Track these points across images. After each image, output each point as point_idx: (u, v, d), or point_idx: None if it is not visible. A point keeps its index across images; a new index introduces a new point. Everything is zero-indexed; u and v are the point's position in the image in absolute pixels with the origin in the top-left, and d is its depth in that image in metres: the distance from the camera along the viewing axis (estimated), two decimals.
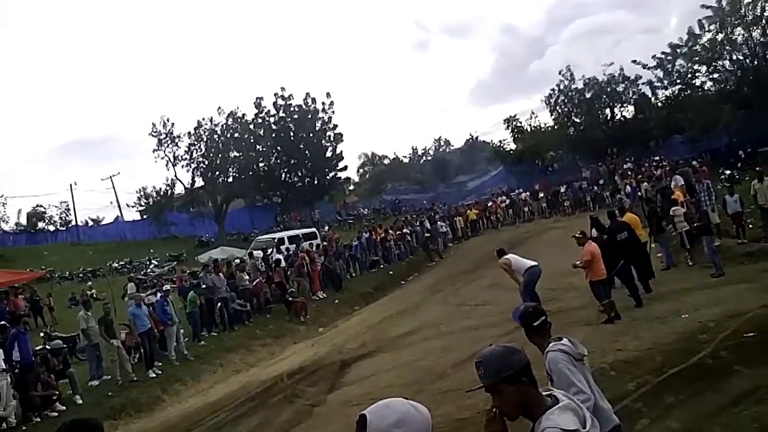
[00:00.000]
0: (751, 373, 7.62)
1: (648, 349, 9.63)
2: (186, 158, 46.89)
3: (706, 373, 8.10)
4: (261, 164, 50.36)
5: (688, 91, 39.55)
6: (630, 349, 9.85)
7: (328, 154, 51.80)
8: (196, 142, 47.00)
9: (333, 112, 51.50)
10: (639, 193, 25.44)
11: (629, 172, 34.29)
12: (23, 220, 52.82)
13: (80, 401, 13.27)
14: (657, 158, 37.62)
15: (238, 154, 47.68)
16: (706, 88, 39.33)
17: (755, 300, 10.65)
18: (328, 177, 52.03)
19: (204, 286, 18.44)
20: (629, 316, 11.85)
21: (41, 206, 53.73)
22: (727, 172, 26.85)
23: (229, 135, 47.46)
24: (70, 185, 49.68)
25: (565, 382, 4.00)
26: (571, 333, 11.45)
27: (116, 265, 37.39)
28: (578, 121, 46.65)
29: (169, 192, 48.11)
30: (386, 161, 77.79)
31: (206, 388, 14.88)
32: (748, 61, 36.42)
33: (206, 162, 46.76)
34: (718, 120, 35.33)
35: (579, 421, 2.55)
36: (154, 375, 14.95)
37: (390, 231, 30.12)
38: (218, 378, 15.59)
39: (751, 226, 17.20)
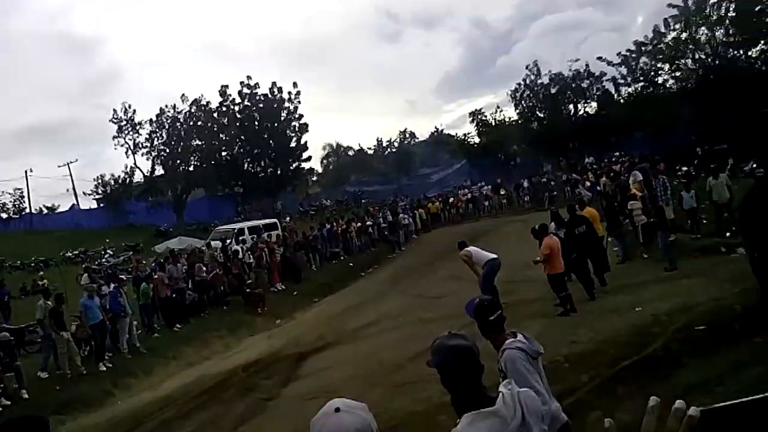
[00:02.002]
0: (700, 366, 7.69)
1: (602, 341, 9.72)
2: (147, 146, 46.05)
3: (659, 365, 8.17)
4: (224, 153, 49.68)
5: (651, 89, 40.28)
6: (584, 341, 9.94)
7: (293, 144, 51.31)
8: (157, 130, 46.19)
9: (299, 102, 51.07)
10: (598, 188, 25.73)
11: (590, 167, 34.72)
12: None
13: (26, 396, 12.85)
14: (617, 154, 38.19)
15: (200, 143, 46.98)
16: (668, 86, 40.15)
17: (706, 294, 10.81)
18: (291, 167, 51.56)
19: (156, 277, 18.03)
20: (584, 309, 11.98)
21: None
22: (684, 169, 27.31)
23: (192, 123, 46.73)
24: (26, 172, 48.21)
25: (523, 385, 3.93)
26: (527, 325, 11.56)
27: (70, 254, 36.46)
28: (542, 115, 47.21)
29: (128, 180, 47.15)
30: (351, 152, 77.49)
31: (158, 381, 14.52)
32: (709, 60, 37.23)
33: (167, 150, 45.97)
34: (678, 118, 35.98)
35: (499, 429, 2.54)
36: (104, 368, 14.54)
37: (352, 223, 29.98)
38: (171, 371, 15.24)
39: (705, 221, 17.50)
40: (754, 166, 24.19)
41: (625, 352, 8.85)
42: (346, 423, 1.83)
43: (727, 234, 15.68)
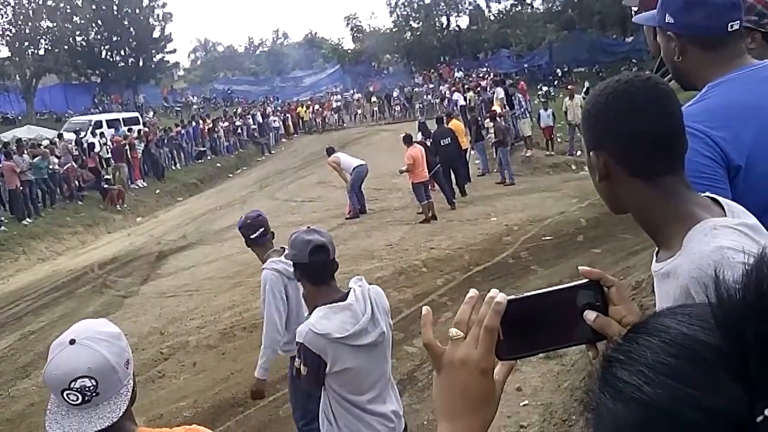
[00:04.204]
0: (546, 273, 8.43)
1: (458, 248, 10.34)
2: None
3: (508, 271, 8.87)
4: (78, 38, 45.64)
5: (519, 8, 41.22)
6: (442, 248, 10.52)
7: (156, 34, 48.02)
8: (2, 6, 41.35)
9: None
10: (464, 102, 26.41)
11: (457, 81, 35.43)
12: None
13: None
14: (484, 69, 39.18)
15: (51, 25, 42.75)
16: (535, 6, 41.28)
17: (555, 207, 11.80)
18: (154, 59, 48.47)
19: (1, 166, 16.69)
20: (445, 218, 12.60)
21: None
22: (545, 88, 28.59)
23: (41, 2, 42.24)
24: None
25: (267, 310, 4.11)
26: (390, 231, 12.05)
27: None
28: (416, 26, 47.06)
29: None
30: (220, 49, 74.01)
31: (6, 276, 13.81)
32: None
33: (13, 30, 41.46)
34: (543, 38, 37.32)
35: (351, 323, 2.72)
36: None
37: (219, 122, 29.02)
38: (21, 266, 14.50)
39: (560, 140, 18.64)
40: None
41: (479, 259, 9.53)
42: (77, 359, 1.55)
43: (578, 153, 16.88)
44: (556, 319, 0.92)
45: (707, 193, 1.26)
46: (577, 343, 0.97)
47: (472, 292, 0.90)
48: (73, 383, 1.54)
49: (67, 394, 1.54)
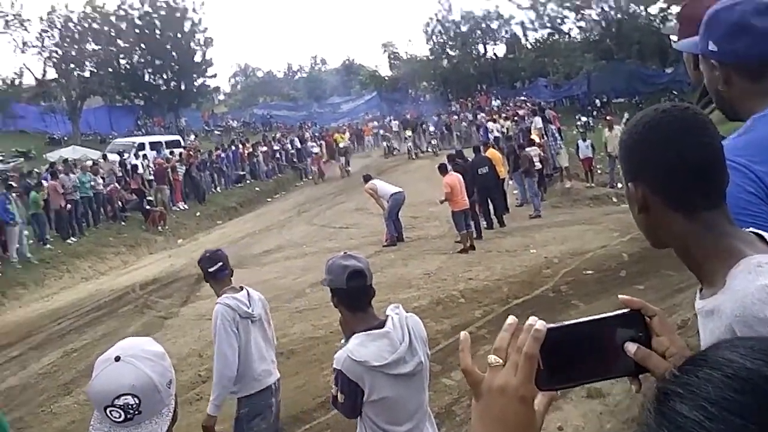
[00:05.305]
0: (587, 308, 8.29)
1: (496, 279, 10.24)
2: (37, 45, 42.56)
3: (548, 305, 8.73)
4: (122, 61, 46.84)
5: (556, 36, 41.12)
6: (480, 278, 10.43)
7: (197, 58, 49.03)
8: (48, 29, 42.66)
9: (204, 13, 48.71)
10: (502, 131, 26.36)
11: (495, 110, 35.33)
12: None
13: None
14: (523, 98, 39.08)
15: (96, 48, 43.94)
16: (572, 35, 41.16)
17: (596, 241, 11.62)
18: (195, 83, 49.47)
19: (47, 185, 17.16)
20: (483, 248, 12.52)
21: None
22: (583, 119, 28.42)
23: (86, 25, 43.47)
24: None
25: (217, 345, 4.17)
26: (427, 260, 12.01)
27: None
28: (452, 54, 47.27)
29: (18, 81, 43.68)
30: (260, 74, 75.23)
31: (51, 294, 14.11)
32: (613, 13, 38.30)
33: (60, 52, 42.69)
34: (581, 68, 37.13)
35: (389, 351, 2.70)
36: None
37: (258, 146, 29.42)
38: (64, 284, 14.82)
39: (600, 171, 18.46)
40: None
41: (518, 291, 9.42)
42: (121, 376, 1.58)
43: (619, 185, 16.68)
44: (597, 349, 0.92)
45: (751, 229, 1.22)
46: (618, 376, 0.96)
47: (511, 319, 0.91)
48: (116, 400, 1.57)
49: (110, 411, 1.58)
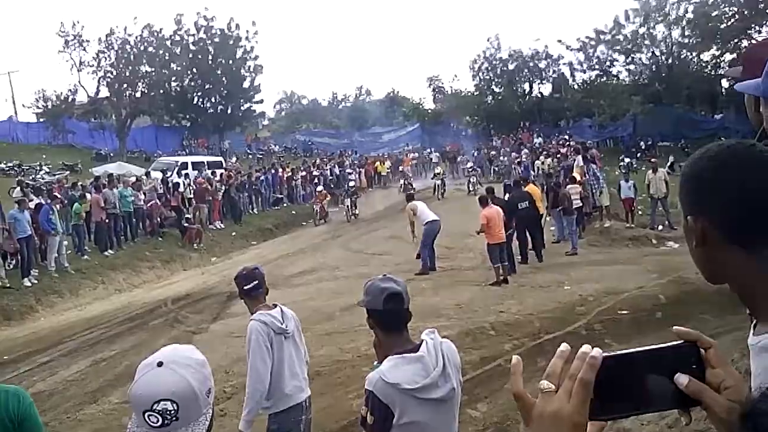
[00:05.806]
0: (619, 348, 8.03)
1: (528, 314, 10.05)
2: (93, 65, 44.03)
3: (580, 342, 8.34)
4: (173, 83, 48.14)
5: (604, 78, 41.01)
6: (512, 312, 10.26)
7: (246, 84, 50.15)
8: (106, 50, 44.15)
9: (256, 41, 49.83)
10: (542, 168, 26.22)
11: (537, 147, 35.17)
12: None
13: None
14: (567, 137, 38.84)
15: (150, 70, 45.26)
16: (621, 77, 40.98)
17: (633, 281, 11.34)
18: (242, 108, 50.53)
19: (90, 198, 17.56)
20: (516, 282, 12.38)
21: None
22: (627, 160, 28.11)
23: (142, 48, 44.88)
24: None
25: (251, 361, 4.14)
26: (459, 291, 11.87)
27: (3, 166, 34.95)
28: (498, 90, 47.39)
29: (71, 98, 45.17)
30: (304, 101, 76.39)
31: (84, 303, 14.36)
32: (663, 57, 38.14)
33: (114, 72, 44.08)
34: (627, 110, 36.87)
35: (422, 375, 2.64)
36: (29, 284, 14.23)
37: (298, 171, 29.75)
38: (98, 295, 15.06)
39: (641, 212, 18.18)
40: None
41: (550, 327, 9.22)
42: (162, 382, 1.58)
43: (660, 227, 16.37)
44: (649, 380, 0.90)
45: None
46: (670, 408, 0.94)
47: (564, 346, 0.92)
48: (155, 405, 1.56)
49: (149, 416, 1.57)
